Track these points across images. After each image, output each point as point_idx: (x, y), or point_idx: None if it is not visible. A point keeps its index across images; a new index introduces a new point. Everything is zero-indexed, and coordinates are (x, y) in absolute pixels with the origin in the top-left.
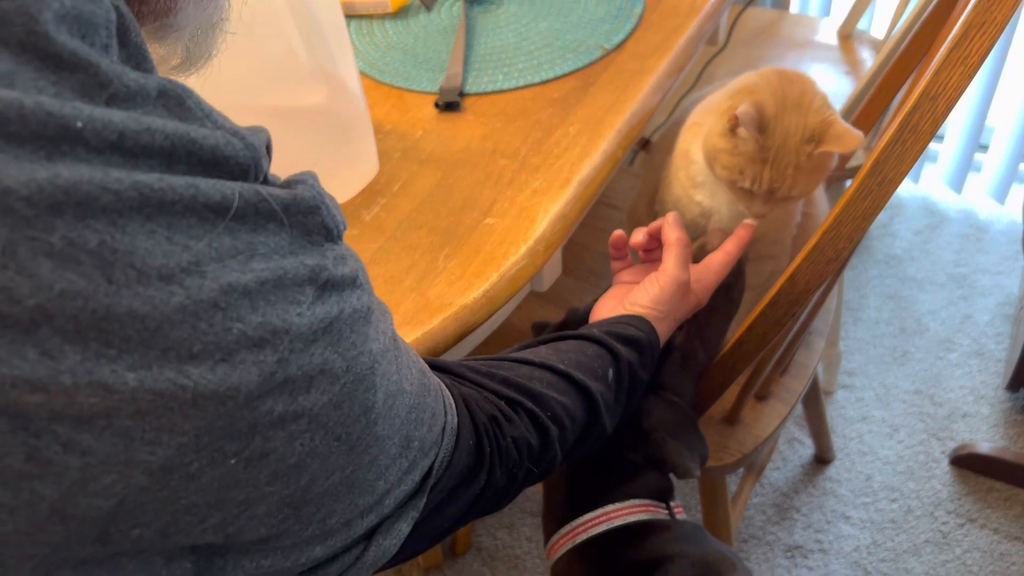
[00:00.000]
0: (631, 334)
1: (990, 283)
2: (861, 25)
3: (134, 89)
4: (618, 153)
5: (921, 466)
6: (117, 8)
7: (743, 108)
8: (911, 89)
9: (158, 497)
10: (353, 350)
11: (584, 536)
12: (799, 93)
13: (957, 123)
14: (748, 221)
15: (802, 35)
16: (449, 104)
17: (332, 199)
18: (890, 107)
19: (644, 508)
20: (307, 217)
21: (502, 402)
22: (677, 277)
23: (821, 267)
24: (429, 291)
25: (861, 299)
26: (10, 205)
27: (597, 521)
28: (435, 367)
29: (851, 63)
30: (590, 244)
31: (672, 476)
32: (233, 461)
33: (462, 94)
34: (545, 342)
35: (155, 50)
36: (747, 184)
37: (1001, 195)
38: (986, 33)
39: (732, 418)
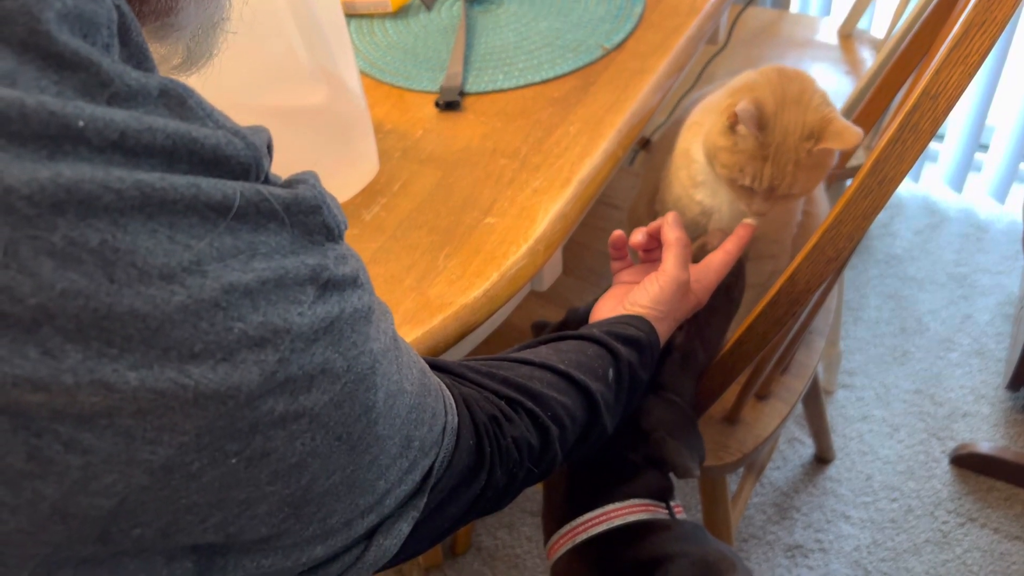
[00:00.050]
0: (631, 334)
1: (990, 283)
2: (861, 24)
3: (136, 88)
4: (618, 152)
5: (921, 466)
6: (118, 7)
7: (742, 105)
8: (911, 88)
9: (159, 496)
10: (354, 350)
11: (584, 536)
12: (798, 90)
13: (957, 122)
14: (748, 221)
15: (802, 35)
16: (449, 103)
17: (333, 199)
18: (890, 106)
19: (644, 508)
20: (308, 217)
21: (502, 402)
22: (677, 277)
23: (821, 266)
24: (429, 290)
25: (861, 298)
26: (12, 204)
27: (597, 521)
28: (435, 367)
29: (851, 63)
30: (590, 243)
31: (672, 476)
32: (234, 460)
33: (462, 93)
34: (545, 342)
35: (156, 50)
36: (747, 182)
37: (1001, 195)
38: (986, 32)
39: (732, 417)
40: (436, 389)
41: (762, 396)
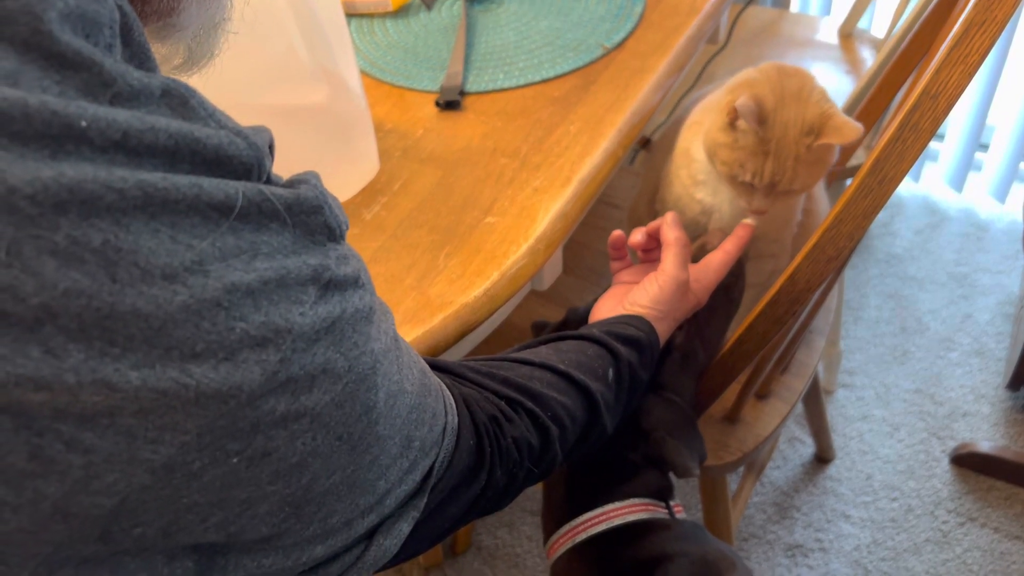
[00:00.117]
0: (631, 334)
1: (991, 282)
2: (862, 24)
3: (138, 88)
4: (619, 152)
5: (921, 465)
6: (121, 8)
7: (742, 100)
8: (912, 88)
9: (160, 496)
10: (355, 350)
11: (584, 535)
12: (798, 86)
13: (958, 122)
14: (747, 220)
15: (802, 34)
16: (450, 103)
17: (335, 199)
18: (891, 106)
19: (644, 507)
20: (310, 217)
21: (502, 402)
22: (676, 277)
23: (822, 266)
24: (430, 290)
25: (862, 298)
26: (15, 204)
27: (597, 520)
28: (435, 367)
29: (852, 62)
30: (591, 243)
31: (672, 475)
32: (235, 460)
33: (463, 93)
34: (545, 342)
35: (157, 50)
36: (748, 178)
37: (1002, 194)
38: (986, 32)
39: (733, 417)
40: (436, 389)
41: (762, 395)
